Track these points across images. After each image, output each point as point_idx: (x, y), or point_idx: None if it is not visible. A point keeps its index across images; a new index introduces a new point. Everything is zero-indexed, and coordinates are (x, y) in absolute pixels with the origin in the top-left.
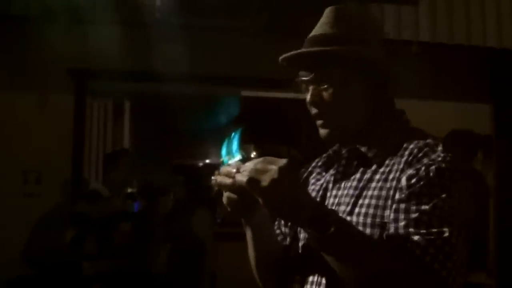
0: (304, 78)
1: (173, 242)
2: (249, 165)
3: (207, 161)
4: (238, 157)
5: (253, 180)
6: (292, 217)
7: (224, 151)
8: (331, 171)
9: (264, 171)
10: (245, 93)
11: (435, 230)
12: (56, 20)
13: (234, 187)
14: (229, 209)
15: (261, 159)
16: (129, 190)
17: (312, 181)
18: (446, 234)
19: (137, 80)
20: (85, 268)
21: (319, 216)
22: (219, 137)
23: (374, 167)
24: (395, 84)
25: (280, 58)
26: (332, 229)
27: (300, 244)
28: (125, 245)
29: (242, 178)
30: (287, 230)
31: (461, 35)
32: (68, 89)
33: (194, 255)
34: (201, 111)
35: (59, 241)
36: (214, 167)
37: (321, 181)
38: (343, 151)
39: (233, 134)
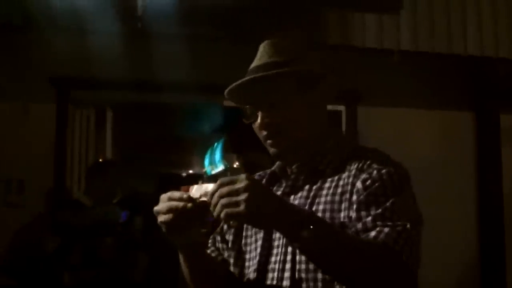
0: (254, 104)
1: (153, 251)
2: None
3: (191, 171)
4: (221, 167)
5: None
6: (281, 225)
7: (207, 161)
8: (275, 188)
9: (235, 193)
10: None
11: (400, 223)
12: (38, 29)
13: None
14: (164, 229)
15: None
16: (114, 200)
17: None
18: (408, 226)
19: (120, 89)
20: (66, 278)
21: (309, 216)
22: (203, 147)
23: (322, 178)
24: (371, 93)
25: (228, 89)
26: (322, 227)
27: (253, 262)
28: (108, 255)
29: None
30: (225, 246)
31: (442, 43)
32: (50, 98)
33: (173, 264)
34: (185, 120)
35: (40, 251)
36: (198, 177)
37: None
38: (293, 167)
39: (215, 144)
